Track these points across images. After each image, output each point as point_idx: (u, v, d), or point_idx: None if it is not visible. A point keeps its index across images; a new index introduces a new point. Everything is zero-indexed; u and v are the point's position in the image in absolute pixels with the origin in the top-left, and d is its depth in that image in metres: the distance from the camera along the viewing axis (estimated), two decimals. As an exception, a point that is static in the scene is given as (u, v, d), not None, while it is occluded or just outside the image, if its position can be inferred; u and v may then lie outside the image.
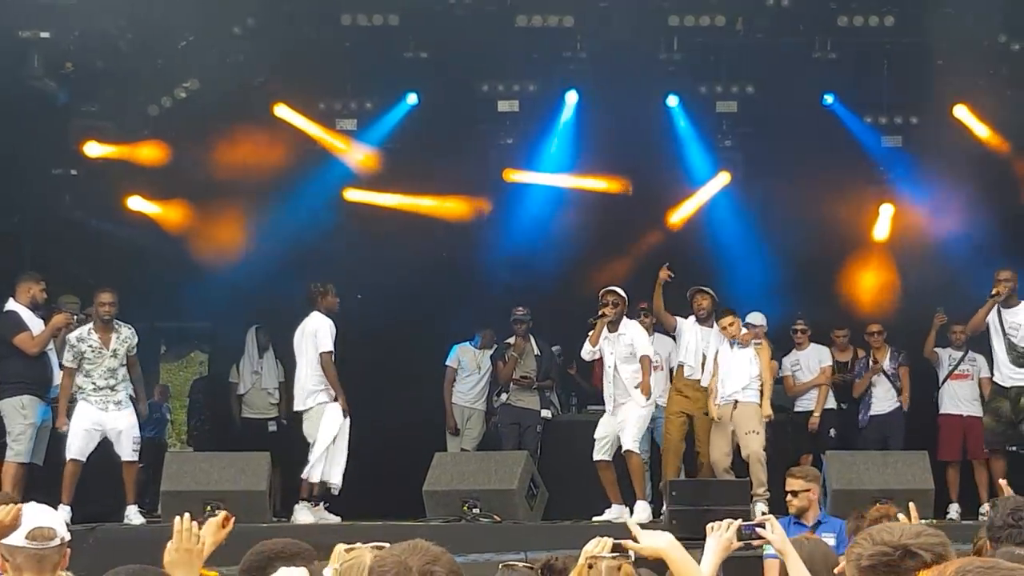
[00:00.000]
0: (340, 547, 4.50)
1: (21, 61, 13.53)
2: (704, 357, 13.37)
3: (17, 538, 4.90)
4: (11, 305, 12.78)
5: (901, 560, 3.22)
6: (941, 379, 14.31)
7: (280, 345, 15.17)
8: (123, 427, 12.35)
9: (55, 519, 5.05)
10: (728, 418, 12.98)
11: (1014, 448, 13.19)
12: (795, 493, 9.99)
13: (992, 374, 13.58)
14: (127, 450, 12.35)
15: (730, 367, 13.08)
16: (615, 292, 12.85)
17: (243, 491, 12.02)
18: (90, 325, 12.47)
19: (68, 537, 5.02)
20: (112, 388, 12.34)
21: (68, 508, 11.84)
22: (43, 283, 12.76)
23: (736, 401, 13.02)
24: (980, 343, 13.82)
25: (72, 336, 12.39)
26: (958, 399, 14.19)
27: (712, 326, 13.43)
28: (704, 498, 11.67)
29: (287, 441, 14.43)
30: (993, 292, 12.97)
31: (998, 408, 13.15)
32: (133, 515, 12.33)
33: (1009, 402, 13.08)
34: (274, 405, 15.39)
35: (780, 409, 13.82)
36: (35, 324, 12.64)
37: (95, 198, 15.34)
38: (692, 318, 13.57)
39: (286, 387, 15.28)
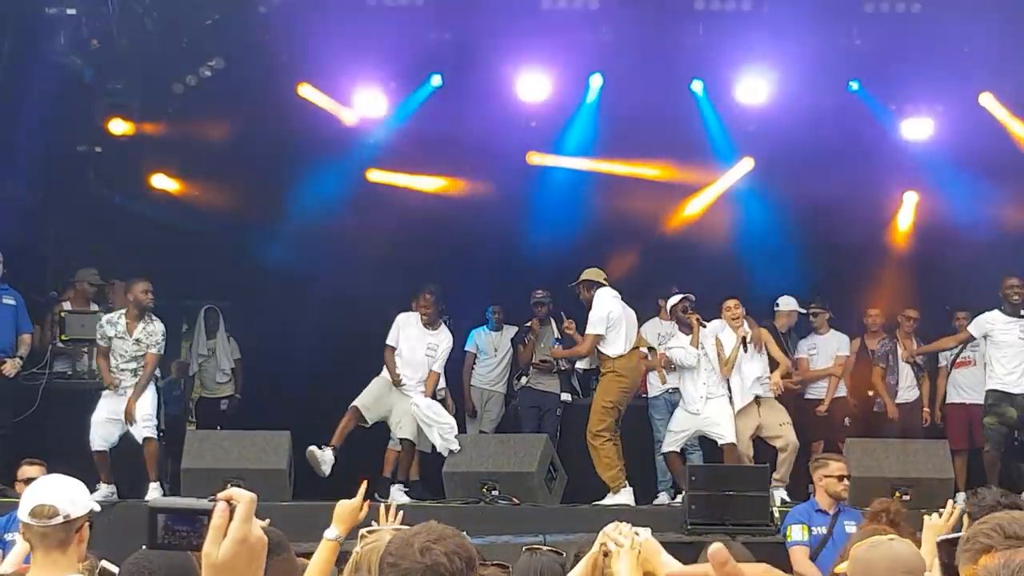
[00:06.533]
0: (363, 531, 4.52)
1: (47, 38, 13.59)
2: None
3: (23, 513, 4.81)
4: None
5: None
6: (946, 369, 14.29)
7: (245, 323, 15.30)
8: (137, 414, 12.44)
9: (63, 496, 4.84)
10: (756, 415, 12.93)
11: (1018, 443, 13.12)
12: (840, 478, 9.96)
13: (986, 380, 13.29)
14: (139, 431, 12.40)
15: (741, 359, 12.96)
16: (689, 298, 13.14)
17: (263, 469, 12.05)
18: (123, 311, 12.57)
19: (77, 514, 4.83)
20: (133, 372, 12.47)
21: (111, 487, 12.11)
22: None
23: (757, 396, 12.98)
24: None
25: (104, 319, 12.55)
26: (961, 388, 14.08)
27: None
28: (723, 484, 11.66)
29: (241, 420, 14.48)
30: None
31: (1004, 413, 12.98)
32: (154, 492, 12.37)
33: (1016, 410, 12.98)
34: (221, 384, 15.57)
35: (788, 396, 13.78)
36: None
37: (119, 175, 15.40)
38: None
39: (242, 366, 15.51)
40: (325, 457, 12.52)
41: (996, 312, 12.98)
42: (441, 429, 12.76)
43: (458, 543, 3.41)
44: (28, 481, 9.50)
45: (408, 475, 13.13)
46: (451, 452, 12.68)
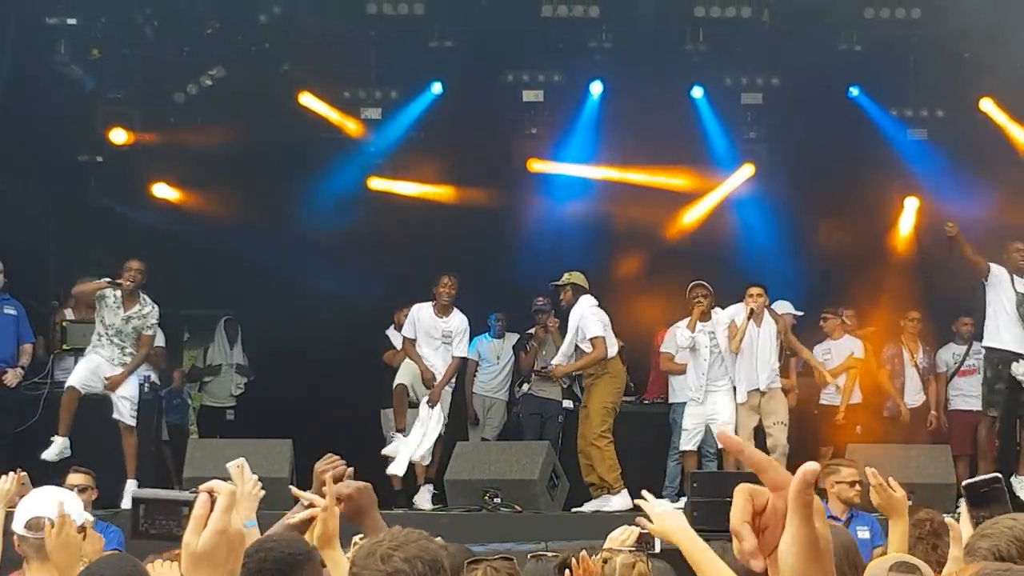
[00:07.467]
0: (356, 538, 4.52)
1: (48, 47, 13.61)
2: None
3: (19, 526, 4.86)
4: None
5: None
6: (948, 376, 14.27)
7: (246, 331, 15.41)
8: (124, 393, 12.35)
9: (56, 507, 4.92)
10: (756, 406, 12.89)
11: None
12: (852, 484, 9.93)
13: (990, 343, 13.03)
14: (125, 414, 12.28)
15: (756, 349, 12.90)
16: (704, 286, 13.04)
17: (266, 478, 11.96)
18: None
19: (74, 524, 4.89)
20: (122, 350, 12.42)
21: (65, 439, 11.85)
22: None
23: (760, 389, 12.94)
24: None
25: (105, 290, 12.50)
26: (965, 395, 14.05)
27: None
28: (726, 490, 11.59)
29: (242, 429, 14.48)
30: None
31: (1014, 375, 12.77)
32: (131, 491, 12.22)
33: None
34: (235, 396, 15.63)
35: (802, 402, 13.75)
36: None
37: (121, 184, 15.40)
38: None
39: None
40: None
41: (1004, 269, 12.91)
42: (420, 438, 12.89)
43: (422, 547, 3.41)
44: (73, 490, 9.49)
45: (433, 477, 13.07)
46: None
